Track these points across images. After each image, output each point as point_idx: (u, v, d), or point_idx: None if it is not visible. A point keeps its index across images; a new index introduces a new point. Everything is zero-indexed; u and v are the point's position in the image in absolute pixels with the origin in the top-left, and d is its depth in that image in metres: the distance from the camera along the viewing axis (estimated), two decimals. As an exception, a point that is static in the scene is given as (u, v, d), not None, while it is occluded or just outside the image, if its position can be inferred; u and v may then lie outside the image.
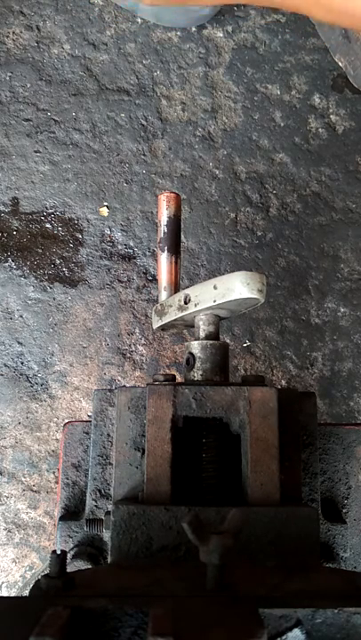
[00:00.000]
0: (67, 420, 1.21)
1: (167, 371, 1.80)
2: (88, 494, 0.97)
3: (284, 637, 0.49)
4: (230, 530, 0.57)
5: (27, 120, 1.94)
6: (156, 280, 1.36)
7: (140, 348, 1.81)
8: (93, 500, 0.97)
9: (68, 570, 0.59)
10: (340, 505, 1.02)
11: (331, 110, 2.00)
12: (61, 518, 1.00)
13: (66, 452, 1.06)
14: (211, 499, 0.84)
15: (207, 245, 1.89)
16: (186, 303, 0.92)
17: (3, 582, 1.68)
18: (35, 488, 1.72)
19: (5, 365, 1.79)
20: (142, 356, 1.81)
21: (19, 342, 1.80)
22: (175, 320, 0.97)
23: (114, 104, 1.97)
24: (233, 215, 1.92)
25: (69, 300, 1.83)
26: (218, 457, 0.87)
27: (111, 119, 1.96)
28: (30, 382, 1.78)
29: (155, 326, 1.02)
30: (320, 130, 1.99)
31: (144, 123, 1.96)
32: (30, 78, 1.97)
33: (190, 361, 0.92)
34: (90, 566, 0.92)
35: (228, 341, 1.75)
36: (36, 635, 0.41)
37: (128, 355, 1.81)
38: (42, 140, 1.93)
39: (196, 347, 0.92)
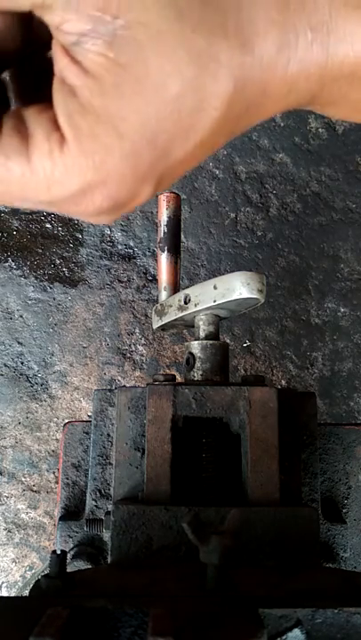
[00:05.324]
0: (67, 420, 1.21)
1: (167, 371, 1.80)
2: (88, 494, 0.97)
3: (284, 637, 0.49)
4: (230, 530, 0.57)
5: (27, 120, 1.94)
6: (156, 280, 1.36)
7: (140, 347, 1.81)
8: (93, 499, 0.97)
9: (68, 570, 0.59)
10: (341, 505, 1.02)
11: (331, 110, 2.00)
12: (61, 518, 1.00)
13: (66, 452, 1.06)
14: (211, 499, 0.84)
15: (207, 245, 1.89)
16: (186, 303, 0.92)
17: (3, 582, 1.68)
18: (35, 488, 1.72)
19: (5, 365, 1.79)
20: (142, 356, 1.81)
21: (19, 342, 1.80)
22: (175, 320, 0.96)
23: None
24: (233, 215, 1.92)
25: (69, 300, 1.83)
26: (218, 457, 0.87)
27: (111, 119, 1.96)
28: (30, 382, 1.78)
29: (155, 326, 1.02)
30: (320, 130, 1.99)
31: (144, 123, 1.96)
32: (30, 78, 1.97)
33: (190, 361, 0.92)
34: (90, 566, 0.92)
35: (228, 341, 1.75)
36: (35, 635, 0.41)
37: (128, 355, 1.81)
38: (42, 140, 1.93)
39: (196, 347, 0.92)
